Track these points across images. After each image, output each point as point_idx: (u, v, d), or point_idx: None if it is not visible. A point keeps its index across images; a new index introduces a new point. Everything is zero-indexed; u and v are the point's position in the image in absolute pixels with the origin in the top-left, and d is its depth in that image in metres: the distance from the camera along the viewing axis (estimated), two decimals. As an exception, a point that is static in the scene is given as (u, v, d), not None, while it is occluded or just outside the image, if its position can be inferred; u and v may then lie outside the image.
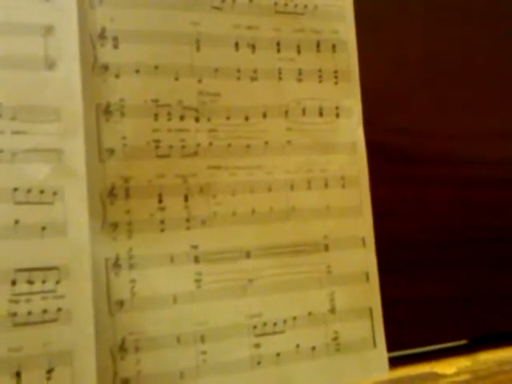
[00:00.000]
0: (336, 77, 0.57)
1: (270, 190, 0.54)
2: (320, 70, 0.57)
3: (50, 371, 0.44)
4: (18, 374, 0.43)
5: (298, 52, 0.56)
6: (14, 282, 0.44)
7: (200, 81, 0.52)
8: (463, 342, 0.64)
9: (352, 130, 0.57)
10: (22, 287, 0.44)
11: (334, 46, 0.57)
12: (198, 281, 0.50)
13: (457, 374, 0.57)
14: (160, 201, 0.50)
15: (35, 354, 0.44)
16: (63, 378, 0.44)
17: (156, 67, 0.50)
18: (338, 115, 0.57)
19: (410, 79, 0.64)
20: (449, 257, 0.63)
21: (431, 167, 0.64)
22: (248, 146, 0.53)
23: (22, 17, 0.46)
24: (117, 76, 0.49)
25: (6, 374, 0.43)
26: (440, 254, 0.63)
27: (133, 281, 0.48)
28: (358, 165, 0.57)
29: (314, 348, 0.53)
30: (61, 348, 0.44)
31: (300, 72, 0.56)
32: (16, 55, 0.45)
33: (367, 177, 0.57)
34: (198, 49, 0.52)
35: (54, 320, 0.44)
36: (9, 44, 0.45)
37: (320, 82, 0.56)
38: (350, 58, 0.58)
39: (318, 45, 0.57)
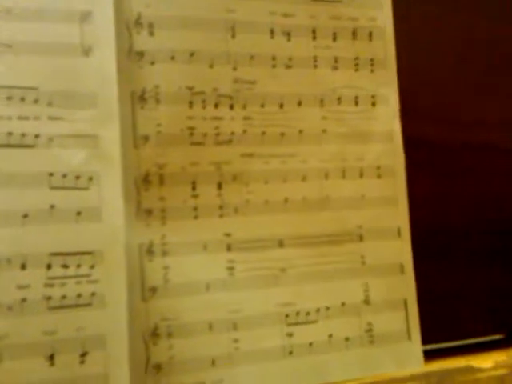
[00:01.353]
0: (372, 65, 0.56)
1: (303, 179, 0.53)
2: (356, 58, 0.56)
3: (83, 355, 0.44)
4: (52, 357, 0.44)
5: (334, 40, 0.55)
6: (49, 266, 0.44)
7: (235, 68, 0.52)
8: (500, 336, 0.63)
9: (388, 118, 0.57)
10: (57, 271, 0.44)
11: (370, 34, 0.57)
12: (230, 269, 0.50)
13: (494, 368, 0.56)
14: (193, 188, 0.50)
15: (69, 338, 0.44)
16: (96, 362, 0.45)
17: (191, 54, 0.50)
18: (374, 104, 0.56)
19: (448, 67, 0.63)
20: (487, 249, 0.62)
21: (469, 157, 0.63)
22: (282, 135, 0.53)
23: (59, 3, 0.46)
24: (152, 63, 0.49)
25: (40, 356, 0.43)
26: (478, 246, 0.62)
27: (166, 267, 0.48)
28: (394, 154, 0.56)
29: (347, 339, 0.53)
30: (94, 332, 0.45)
31: (336, 60, 0.55)
32: (52, 41, 0.46)
33: (403, 167, 0.57)
34: (233, 36, 0.52)
35: (88, 304, 0.45)
36: (46, 30, 0.46)
37: (356, 70, 0.56)
38: (386, 45, 0.57)
39: (355, 32, 0.56)
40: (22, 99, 0.44)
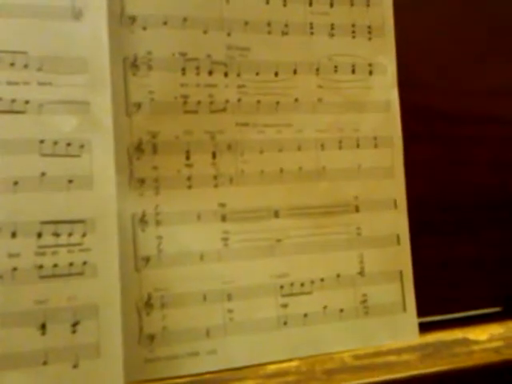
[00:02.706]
0: (370, 32, 0.55)
1: (299, 148, 0.53)
2: (353, 25, 0.55)
3: (75, 324, 0.44)
4: (44, 326, 0.43)
5: (331, 6, 0.54)
6: (39, 235, 0.44)
7: (229, 34, 0.51)
8: (496, 309, 0.63)
9: (386, 88, 0.56)
10: (48, 239, 0.44)
11: (368, 0, 0.55)
12: (225, 239, 0.50)
13: (489, 340, 0.56)
14: (187, 157, 0.49)
15: (61, 307, 0.44)
16: (88, 332, 0.44)
17: (184, 19, 0.49)
18: (371, 72, 0.55)
19: (447, 35, 0.62)
20: (484, 219, 0.62)
21: (467, 127, 0.62)
22: (277, 103, 0.52)
23: (48, -35, 0.45)
24: (144, 28, 0.48)
25: (31, 325, 0.43)
26: (475, 216, 0.61)
27: (159, 237, 0.48)
28: (391, 124, 0.56)
29: (341, 310, 0.53)
30: (86, 302, 0.44)
31: (332, 27, 0.54)
32: (42, 4, 0.45)
33: (400, 137, 0.56)
34: (227, 1, 0.51)
35: (80, 273, 0.44)
36: (35, -8, 0.45)
37: (353, 37, 0.55)
38: (384, 12, 0.56)
39: (352, -1, 0.55)
40: (12, 64, 0.44)
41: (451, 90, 0.61)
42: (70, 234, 0.44)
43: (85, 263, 0.44)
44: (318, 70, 0.54)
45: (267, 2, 0.52)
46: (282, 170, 0.52)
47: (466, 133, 0.61)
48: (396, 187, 0.55)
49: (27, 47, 0.44)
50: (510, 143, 0.64)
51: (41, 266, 0.43)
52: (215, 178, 0.50)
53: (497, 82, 0.63)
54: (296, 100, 0.53)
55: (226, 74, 0.51)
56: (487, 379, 0.52)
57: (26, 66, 0.44)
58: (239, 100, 0.51)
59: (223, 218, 0.50)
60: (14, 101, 0.44)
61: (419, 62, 0.59)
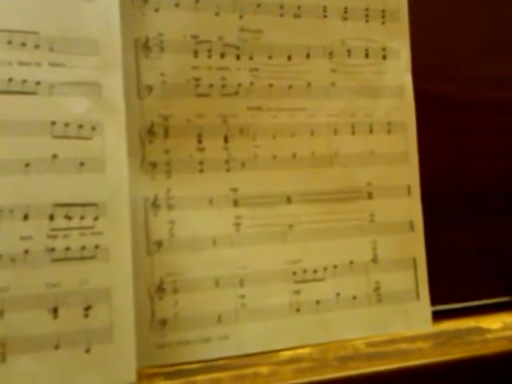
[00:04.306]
0: (383, 16, 0.55)
1: (312, 133, 0.52)
2: (367, 9, 0.54)
3: (87, 308, 0.44)
4: (56, 310, 0.43)
5: (345, -12, 0.54)
6: (51, 217, 0.43)
7: (241, 16, 0.50)
8: (508, 298, 0.62)
9: (399, 72, 0.55)
10: (60, 222, 0.43)
11: (382, -16, 0.55)
12: (237, 224, 0.49)
13: (502, 329, 0.55)
14: (199, 141, 0.49)
15: (73, 291, 0.43)
16: (100, 316, 0.44)
17: (196, 1, 0.49)
18: (384, 57, 0.55)
19: (462, 22, 0.61)
20: (499, 207, 0.61)
21: (481, 114, 0.61)
22: (290, 87, 0.52)
23: None
24: (156, 9, 0.48)
25: (43, 308, 0.43)
26: (489, 205, 0.61)
27: (171, 221, 0.47)
28: (404, 110, 0.55)
29: (354, 297, 0.52)
30: (98, 285, 0.44)
31: (346, 10, 0.53)
32: (54, -17, 0.44)
33: (414, 123, 0.55)
34: (240, -17, 0.50)
35: (92, 257, 0.44)
36: (47, -28, 0.44)
37: (367, 21, 0.54)
38: (398, -4, 0.55)
39: (366, -18, 0.54)
40: (23, 44, 0.43)
41: (466, 77, 0.61)
42: (82, 217, 0.44)
43: (97, 247, 0.44)
44: (331, 53, 0.53)
45: (280, -16, 0.52)
46: (294, 155, 0.51)
47: (479, 120, 0.61)
48: (410, 173, 0.55)
49: (39, 27, 0.44)
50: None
51: (53, 249, 0.43)
52: (227, 162, 0.49)
53: (508, 70, 0.63)
54: (309, 84, 0.52)
55: (238, 57, 0.50)
56: (501, 367, 0.51)
57: (37, 47, 0.44)
58: (252, 83, 0.50)
59: (235, 203, 0.49)
60: (25, 81, 0.43)
61: (431, 48, 0.59)
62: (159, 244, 0.47)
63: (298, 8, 0.52)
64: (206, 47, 0.49)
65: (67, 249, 0.43)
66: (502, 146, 0.62)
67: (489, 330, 0.55)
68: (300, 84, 0.52)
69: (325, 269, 0.51)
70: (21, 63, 0.43)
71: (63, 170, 0.44)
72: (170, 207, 0.47)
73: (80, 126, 0.44)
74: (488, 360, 0.50)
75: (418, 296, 0.54)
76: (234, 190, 0.49)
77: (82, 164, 0.44)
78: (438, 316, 0.56)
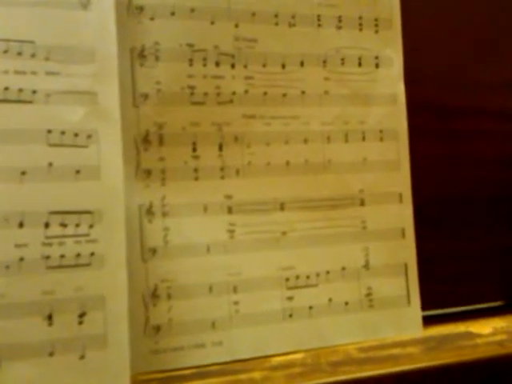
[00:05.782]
0: (377, 25, 0.55)
1: (305, 141, 0.52)
2: (360, 18, 0.55)
3: (81, 315, 0.44)
4: (50, 317, 0.43)
5: (339, -2, 0.54)
6: (47, 225, 0.43)
7: (237, 25, 0.50)
8: (499, 303, 0.63)
9: (392, 81, 0.56)
10: (56, 230, 0.44)
11: (375, -7, 0.55)
12: (231, 231, 0.49)
13: (492, 334, 0.56)
14: (194, 149, 0.49)
15: (67, 298, 0.43)
16: (95, 323, 0.44)
17: (192, 10, 0.49)
18: (377, 65, 0.55)
19: (453, 29, 0.62)
20: (488, 214, 0.62)
21: (473, 121, 0.62)
22: (284, 95, 0.52)
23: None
24: (152, 18, 0.48)
25: (38, 316, 0.43)
26: (479, 210, 0.61)
27: (166, 229, 0.48)
28: (397, 118, 0.56)
29: (346, 303, 0.52)
30: (93, 293, 0.44)
31: (340, 19, 0.54)
32: (50, -7, 0.44)
33: (406, 130, 0.56)
34: (235, -8, 0.51)
35: (87, 264, 0.44)
36: (43, -19, 0.44)
37: (360, 30, 0.55)
38: (391, 5, 0.56)
39: (359, -9, 0.55)
40: (19, 53, 0.43)
41: (456, 83, 0.61)
42: (77, 225, 0.44)
43: (92, 254, 0.44)
44: (325, 62, 0.53)
45: (275, -7, 0.52)
46: (288, 163, 0.52)
47: (471, 127, 0.61)
48: (401, 181, 0.55)
49: (35, 36, 0.44)
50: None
51: (48, 257, 0.43)
52: (222, 169, 0.50)
53: (504, 76, 0.63)
54: (303, 92, 0.53)
55: (233, 66, 0.50)
56: (491, 372, 0.52)
57: (33, 56, 0.44)
58: (246, 92, 0.51)
59: (229, 210, 0.50)
60: (21, 90, 0.43)
61: (424, 56, 0.59)
62: (154, 251, 0.47)
63: (293, 17, 0.52)
64: (202, 56, 0.49)
65: (62, 256, 0.44)
66: (494, 153, 0.62)
67: (479, 335, 0.55)
68: (294, 92, 0.52)
69: (317, 275, 0.52)
70: (17, 72, 0.43)
71: (59, 178, 0.44)
72: (165, 214, 0.48)
73: (76, 135, 0.45)
74: (478, 365, 0.51)
75: (409, 301, 0.55)
76: (229, 197, 0.50)
77: (77, 172, 0.44)
78: (428, 321, 0.56)
